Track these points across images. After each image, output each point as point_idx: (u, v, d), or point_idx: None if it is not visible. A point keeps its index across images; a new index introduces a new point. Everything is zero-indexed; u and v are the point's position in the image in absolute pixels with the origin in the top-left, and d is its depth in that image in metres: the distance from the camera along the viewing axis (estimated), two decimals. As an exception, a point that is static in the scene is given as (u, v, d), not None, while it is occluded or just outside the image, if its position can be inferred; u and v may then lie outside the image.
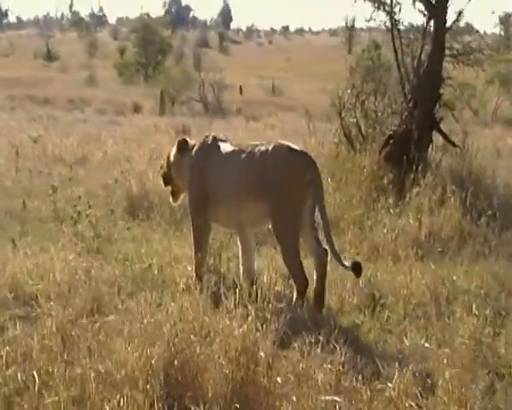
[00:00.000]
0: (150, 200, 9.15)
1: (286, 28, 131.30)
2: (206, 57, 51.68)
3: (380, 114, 12.74)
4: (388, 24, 10.87)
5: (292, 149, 6.09)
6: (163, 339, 4.49)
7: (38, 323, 5.14)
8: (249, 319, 4.50)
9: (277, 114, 29.37)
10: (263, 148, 6.14)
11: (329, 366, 4.52)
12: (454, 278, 6.59)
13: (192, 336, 4.54)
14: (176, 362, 4.40)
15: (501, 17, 71.10)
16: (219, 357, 4.39)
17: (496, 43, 27.84)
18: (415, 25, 11.35)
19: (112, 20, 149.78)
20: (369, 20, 11.16)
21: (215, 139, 6.63)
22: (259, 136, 17.56)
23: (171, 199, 7.17)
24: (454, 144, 10.38)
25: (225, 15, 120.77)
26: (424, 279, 6.40)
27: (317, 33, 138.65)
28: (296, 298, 5.91)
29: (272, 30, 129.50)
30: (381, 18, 11.21)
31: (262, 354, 4.36)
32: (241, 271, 6.51)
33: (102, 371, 4.34)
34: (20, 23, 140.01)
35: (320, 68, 50.53)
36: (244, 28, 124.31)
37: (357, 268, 5.91)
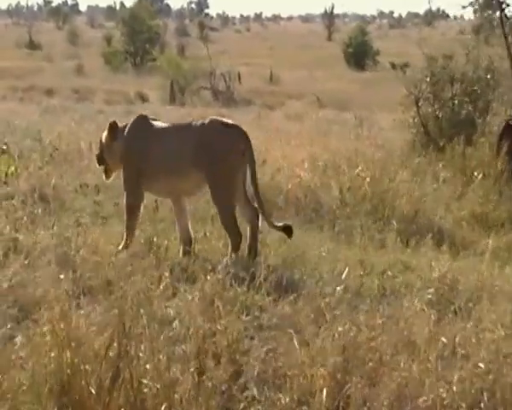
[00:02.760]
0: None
1: (259, 15, 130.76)
2: (190, 46, 50.90)
3: (456, 102, 12.61)
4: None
5: (226, 123, 6.77)
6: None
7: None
8: None
9: (286, 102, 28.95)
10: (199, 123, 6.74)
11: None
12: None
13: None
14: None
15: None
16: None
17: None
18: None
19: (83, 7, 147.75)
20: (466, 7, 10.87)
21: (145, 117, 7.08)
22: (302, 129, 17.17)
23: (104, 176, 7.53)
24: None
25: (201, 2, 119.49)
26: None
27: (289, 19, 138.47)
28: (231, 253, 6.54)
29: (242, 16, 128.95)
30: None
31: None
32: (178, 236, 7.00)
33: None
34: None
35: (304, 56, 50.28)
36: (215, 15, 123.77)
37: (287, 230, 6.70)
